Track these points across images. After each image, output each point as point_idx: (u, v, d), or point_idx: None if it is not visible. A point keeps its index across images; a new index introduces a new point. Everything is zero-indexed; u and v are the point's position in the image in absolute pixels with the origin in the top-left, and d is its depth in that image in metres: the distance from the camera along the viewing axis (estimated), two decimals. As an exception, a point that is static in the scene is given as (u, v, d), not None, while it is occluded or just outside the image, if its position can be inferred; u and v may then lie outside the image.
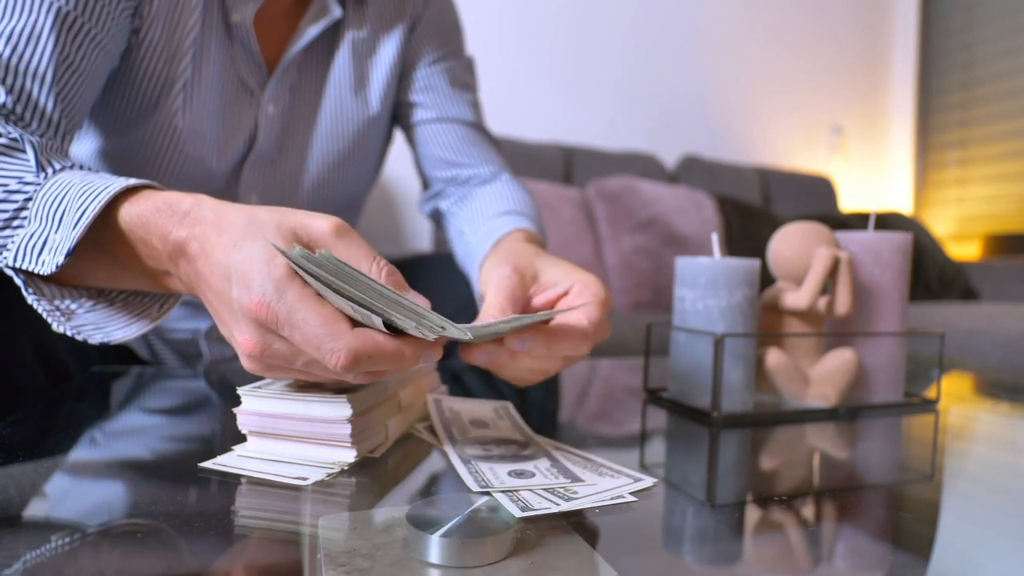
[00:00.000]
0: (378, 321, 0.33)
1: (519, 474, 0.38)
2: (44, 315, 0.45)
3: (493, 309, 0.46)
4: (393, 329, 0.34)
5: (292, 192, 0.77)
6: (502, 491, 0.35)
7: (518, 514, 0.31)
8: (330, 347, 0.33)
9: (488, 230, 0.70)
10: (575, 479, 0.37)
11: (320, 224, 0.38)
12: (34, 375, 0.61)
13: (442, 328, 0.34)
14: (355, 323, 0.34)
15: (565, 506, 0.33)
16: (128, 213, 0.42)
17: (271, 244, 0.35)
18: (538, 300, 0.50)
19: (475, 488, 0.36)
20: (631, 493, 0.36)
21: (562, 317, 0.46)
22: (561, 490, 0.35)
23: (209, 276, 0.38)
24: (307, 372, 0.37)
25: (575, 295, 0.48)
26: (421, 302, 0.37)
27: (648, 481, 0.38)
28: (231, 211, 0.39)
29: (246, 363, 0.38)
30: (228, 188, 0.73)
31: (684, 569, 0.30)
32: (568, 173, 2.23)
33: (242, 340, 0.36)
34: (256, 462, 0.39)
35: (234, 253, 0.36)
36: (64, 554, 0.29)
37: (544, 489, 0.35)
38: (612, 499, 0.35)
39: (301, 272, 0.34)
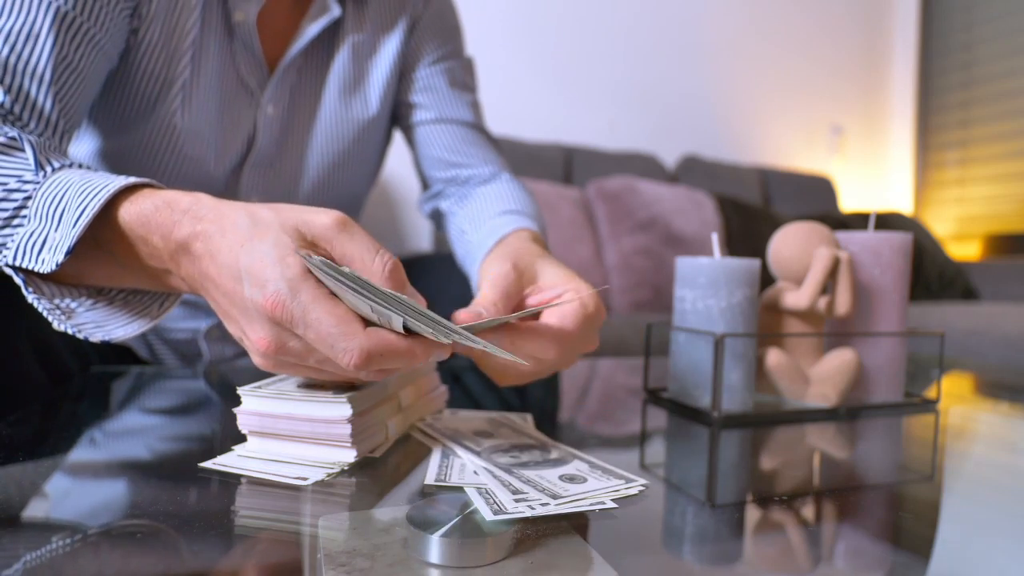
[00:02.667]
0: (398, 322, 0.34)
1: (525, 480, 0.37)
2: (44, 313, 0.45)
3: (486, 302, 0.45)
4: (404, 328, 0.35)
5: (292, 193, 0.77)
6: (475, 488, 0.35)
7: (489, 516, 0.31)
8: (343, 346, 0.34)
9: (490, 229, 0.70)
10: (563, 481, 0.37)
11: (322, 219, 0.38)
12: (34, 375, 0.61)
13: (455, 334, 0.35)
14: (367, 322, 0.35)
15: (540, 511, 0.32)
16: (128, 212, 0.42)
17: (286, 243, 0.36)
18: (531, 301, 0.49)
19: (430, 481, 0.36)
20: (613, 500, 0.34)
21: (540, 317, 0.46)
22: (541, 492, 0.35)
23: (217, 277, 0.38)
24: (319, 369, 0.38)
25: (565, 302, 0.47)
26: (419, 300, 0.37)
27: (635, 487, 0.36)
28: (231, 210, 0.39)
29: (258, 360, 0.38)
30: (228, 189, 0.73)
31: (684, 569, 0.30)
32: (568, 173, 2.23)
33: (256, 338, 0.36)
34: (256, 462, 0.39)
35: (243, 255, 0.36)
36: (64, 554, 0.29)
37: (520, 489, 0.35)
38: (591, 505, 0.34)
39: (319, 274, 0.34)
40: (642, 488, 0.36)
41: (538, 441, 0.45)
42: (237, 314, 0.38)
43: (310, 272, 0.35)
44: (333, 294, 0.35)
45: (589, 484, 0.36)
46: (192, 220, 0.40)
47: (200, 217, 0.40)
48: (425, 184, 0.87)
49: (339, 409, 0.38)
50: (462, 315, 0.43)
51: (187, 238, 0.40)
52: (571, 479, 0.37)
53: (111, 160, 0.70)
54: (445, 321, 0.35)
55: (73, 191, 0.43)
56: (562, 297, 0.48)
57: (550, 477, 0.37)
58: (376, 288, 0.34)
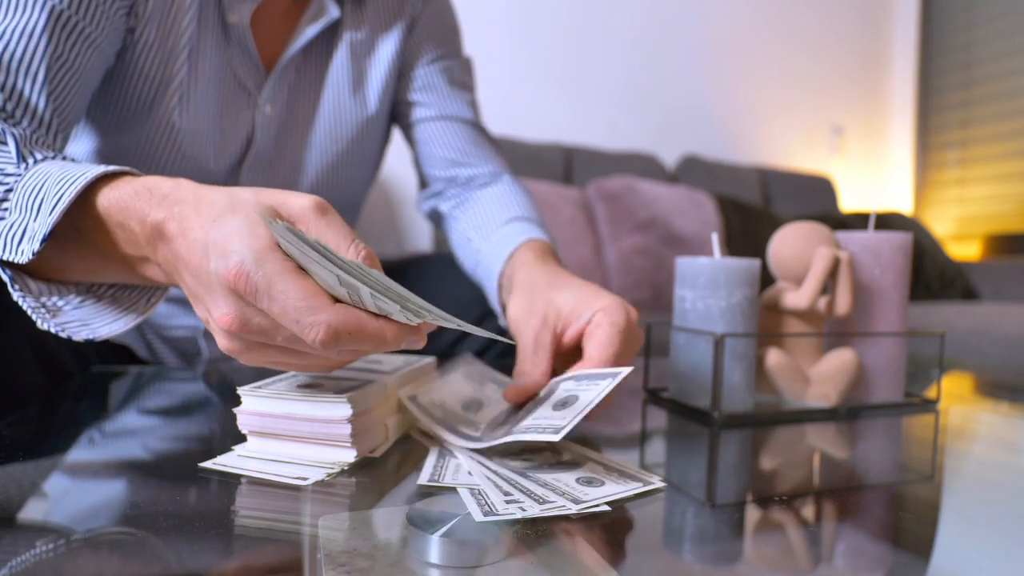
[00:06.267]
0: (366, 292, 0.32)
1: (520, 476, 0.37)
2: (29, 312, 0.45)
3: (535, 373, 0.47)
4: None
5: None
6: (467, 489, 0.34)
7: (479, 517, 0.30)
8: (310, 320, 0.32)
9: (499, 240, 0.70)
10: (559, 480, 0.37)
11: (300, 202, 0.37)
12: (33, 375, 0.61)
13: (426, 312, 0.33)
14: (336, 300, 0.34)
15: (531, 512, 0.32)
16: (106, 198, 0.42)
17: (256, 216, 0.34)
18: (568, 336, 0.49)
19: (423, 481, 0.36)
20: (609, 504, 0.34)
21: (584, 361, 0.46)
22: (534, 493, 0.35)
23: (187, 254, 0.37)
24: (288, 349, 0.36)
25: (598, 330, 0.48)
26: None
27: (640, 486, 0.37)
28: (211, 191, 0.38)
29: (223, 341, 0.37)
30: None
31: (684, 569, 0.30)
32: (568, 173, 2.23)
33: (219, 315, 0.35)
34: (256, 462, 0.39)
35: (213, 228, 0.35)
36: (63, 554, 0.29)
37: (516, 490, 0.35)
38: (588, 508, 0.33)
39: (284, 245, 0.33)
40: (650, 490, 0.36)
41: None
42: (203, 291, 0.36)
43: (278, 246, 0.34)
44: (301, 268, 0.34)
45: (607, 488, 0.36)
46: (170, 203, 0.39)
47: (178, 200, 0.39)
48: (424, 183, 0.87)
49: (339, 409, 0.38)
50: (511, 394, 0.46)
51: (162, 220, 0.39)
52: (589, 482, 0.37)
53: (110, 160, 0.70)
54: (415, 298, 0.34)
55: (52, 181, 0.43)
56: (592, 320, 0.48)
57: (567, 480, 0.37)
58: (343, 260, 0.33)
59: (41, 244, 0.42)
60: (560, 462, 0.40)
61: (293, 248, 0.32)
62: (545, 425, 0.38)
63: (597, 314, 0.48)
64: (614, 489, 0.36)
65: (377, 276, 0.34)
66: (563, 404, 0.40)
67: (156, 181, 0.41)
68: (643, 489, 0.36)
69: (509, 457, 0.41)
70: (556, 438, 0.36)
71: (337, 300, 0.34)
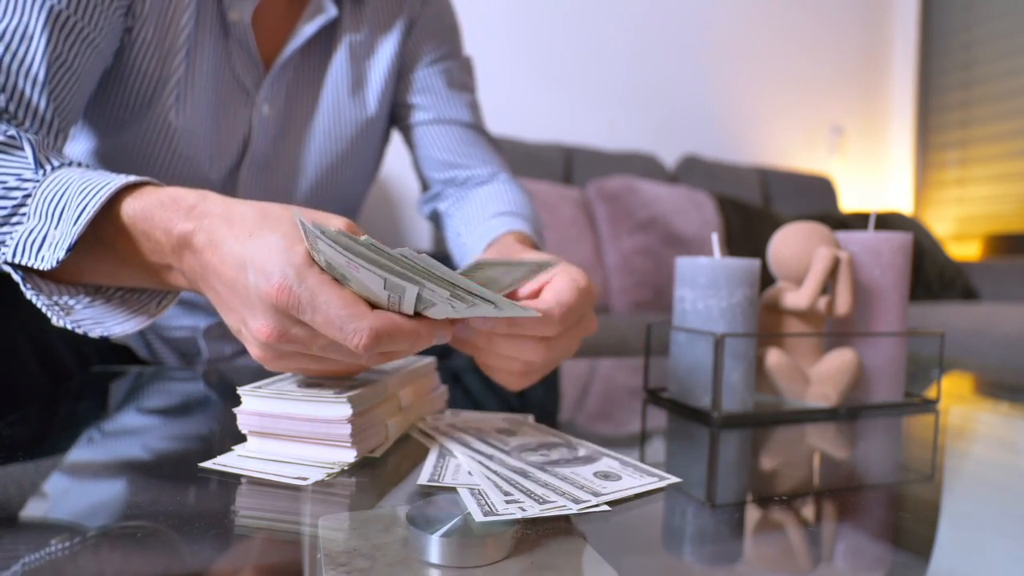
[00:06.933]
0: (412, 292, 0.34)
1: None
2: (43, 309, 0.46)
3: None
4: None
5: (289, 194, 0.77)
6: (467, 489, 0.35)
7: (479, 517, 0.30)
8: (353, 327, 0.34)
9: (482, 232, 0.71)
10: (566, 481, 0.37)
11: (333, 222, 0.39)
12: (33, 375, 0.61)
13: (469, 296, 0.34)
14: (372, 306, 0.36)
15: (530, 512, 0.32)
16: (131, 207, 0.43)
17: (294, 235, 0.36)
18: (523, 291, 0.47)
19: (423, 481, 0.36)
20: (608, 503, 0.34)
21: (530, 301, 0.44)
22: (534, 493, 0.35)
23: (219, 266, 0.38)
24: (321, 357, 0.38)
25: (555, 280, 0.45)
26: None
27: (656, 481, 0.38)
28: (240, 205, 0.40)
29: (257, 351, 0.38)
30: (225, 190, 0.73)
31: (684, 569, 0.30)
32: (568, 173, 2.23)
33: (258, 327, 0.37)
34: (256, 462, 0.39)
35: (249, 242, 0.37)
36: (64, 554, 0.29)
37: (516, 490, 0.35)
38: (588, 509, 0.33)
39: (328, 251, 0.34)
40: (666, 484, 0.37)
41: (562, 439, 0.45)
42: (238, 304, 0.38)
43: (314, 261, 0.36)
44: (337, 280, 0.36)
45: (624, 482, 0.37)
46: (198, 215, 0.40)
47: (206, 213, 0.40)
48: (424, 185, 0.87)
49: (339, 409, 0.38)
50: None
51: (190, 232, 0.40)
52: (606, 476, 0.37)
53: (107, 160, 0.70)
54: (463, 280, 0.34)
55: (73, 189, 0.44)
56: (553, 277, 0.46)
57: (585, 474, 0.37)
58: (392, 253, 0.33)
59: (66, 253, 0.43)
60: (576, 458, 0.41)
61: (339, 254, 0.33)
62: (587, 489, 0.36)
63: (559, 271, 0.46)
64: (631, 483, 0.36)
65: (427, 262, 0.34)
66: (605, 476, 0.38)
67: (180, 192, 0.43)
68: (658, 485, 0.37)
69: (527, 452, 0.41)
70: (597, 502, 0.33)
71: (374, 306, 0.36)
